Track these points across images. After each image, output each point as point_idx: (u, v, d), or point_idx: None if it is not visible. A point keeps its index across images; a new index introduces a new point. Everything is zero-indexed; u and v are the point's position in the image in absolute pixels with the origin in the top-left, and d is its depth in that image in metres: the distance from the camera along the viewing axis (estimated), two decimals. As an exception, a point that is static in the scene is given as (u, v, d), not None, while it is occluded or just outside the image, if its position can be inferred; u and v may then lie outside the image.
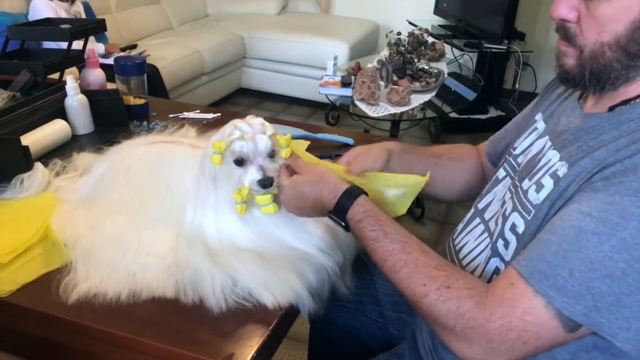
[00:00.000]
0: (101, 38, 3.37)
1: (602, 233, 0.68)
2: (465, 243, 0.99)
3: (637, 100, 0.78)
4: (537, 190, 0.82)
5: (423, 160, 1.14)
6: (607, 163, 0.72)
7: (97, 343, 0.86)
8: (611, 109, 0.80)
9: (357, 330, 1.27)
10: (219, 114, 1.63)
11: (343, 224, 0.89)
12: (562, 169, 0.79)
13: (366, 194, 0.90)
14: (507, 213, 0.88)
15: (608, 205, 0.69)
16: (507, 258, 0.85)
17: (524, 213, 0.83)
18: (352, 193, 0.88)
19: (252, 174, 0.91)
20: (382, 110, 2.62)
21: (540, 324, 0.71)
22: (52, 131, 1.37)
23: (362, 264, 1.09)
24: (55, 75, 1.55)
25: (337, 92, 2.84)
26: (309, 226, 0.96)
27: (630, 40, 0.74)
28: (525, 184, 0.87)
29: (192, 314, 0.86)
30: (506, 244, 0.86)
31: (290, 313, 0.89)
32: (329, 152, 1.37)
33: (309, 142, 1.43)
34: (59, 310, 0.86)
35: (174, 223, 0.97)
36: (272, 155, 0.93)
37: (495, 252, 0.88)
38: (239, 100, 4.44)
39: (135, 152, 1.10)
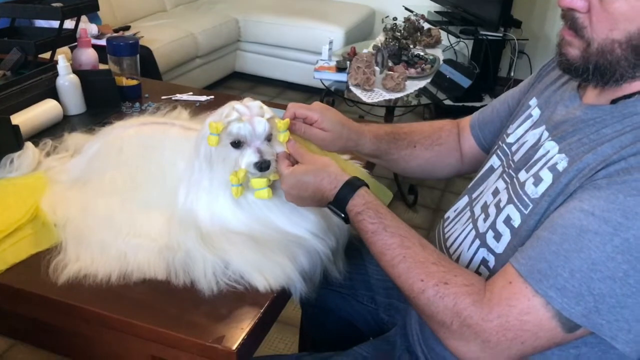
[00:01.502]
0: (94, 19, 3.33)
1: (605, 233, 0.67)
2: (454, 232, 0.97)
3: None
4: (536, 184, 0.80)
5: (394, 153, 1.11)
6: (612, 160, 0.70)
7: (87, 324, 0.86)
8: (613, 101, 0.78)
9: (348, 314, 1.28)
10: (212, 97, 1.62)
11: (343, 215, 0.87)
12: (562, 163, 0.78)
13: (367, 185, 0.88)
14: (501, 204, 0.86)
15: (611, 205, 0.67)
16: (498, 251, 0.83)
17: (520, 206, 0.82)
18: (353, 184, 0.87)
19: (249, 157, 0.90)
20: (377, 96, 2.61)
21: (539, 324, 0.70)
22: (43, 111, 1.36)
23: (354, 249, 1.08)
24: (47, 55, 1.53)
25: (332, 77, 2.83)
26: (302, 210, 0.95)
27: None
28: (522, 175, 0.85)
29: (183, 296, 0.85)
30: (497, 236, 0.84)
31: (282, 296, 0.89)
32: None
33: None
34: (49, 290, 0.86)
35: (167, 205, 0.96)
36: (269, 138, 0.93)
37: (483, 243, 0.87)
38: (232, 84, 4.41)
39: (128, 133, 1.09)
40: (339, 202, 0.87)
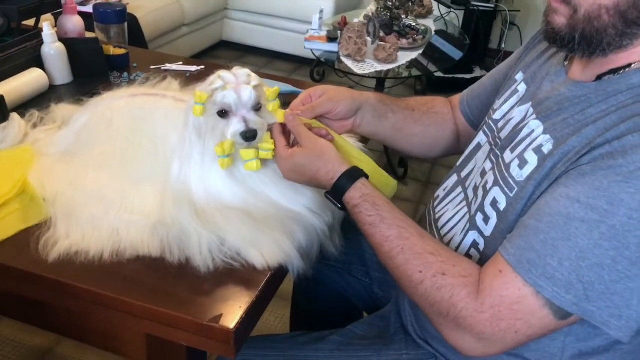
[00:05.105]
0: (77, -16, 3.23)
1: (591, 220, 0.67)
2: (445, 212, 0.97)
3: (627, 69, 0.74)
4: (521, 166, 0.79)
5: (398, 113, 1.10)
6: (596, 144, 0.70)
7: (79, 302, 0.83)
8: (598, 77, 0.77)
9: (342, 289, 1.27)
10: (203, 67, 1.58)
11: (339, 205, 0.87)
12: (547, 145, 0.77)
13: (366, 176, 0.87)
14: (488, 186, 0.85)
15: (597, 191, 0.67)
16: (487, 233, 0.83)
17: (506, 189, 0.81)
18: (351, 175, 0.85)
19: (234, 126, 0.88)
20: (369, 67, 2.57)
21: (531, 312, 0.70)
22: (29, 80, 1.31)
23: (349, 223, 1.07)
24: (31, 22, 1.48)
25: (322, 47, 2.78)
26: (298, 186, 0.93)
27: (631, 6, 0.70)
28: (507, 156, 0.84)
29: (178, 274, 0.83)
30: (486, 219, 0.84)
31: (279, 273, 0.87)
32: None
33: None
34: (39, 267, 0.83)
35: (159, 179, 0.93)
36: (257, 108, 0.90)
37: (473, 225, 0.86)
38: (220, 54, 4.33)
39: (117, 104, 1.05)
40: (337, 193, 0.86)
